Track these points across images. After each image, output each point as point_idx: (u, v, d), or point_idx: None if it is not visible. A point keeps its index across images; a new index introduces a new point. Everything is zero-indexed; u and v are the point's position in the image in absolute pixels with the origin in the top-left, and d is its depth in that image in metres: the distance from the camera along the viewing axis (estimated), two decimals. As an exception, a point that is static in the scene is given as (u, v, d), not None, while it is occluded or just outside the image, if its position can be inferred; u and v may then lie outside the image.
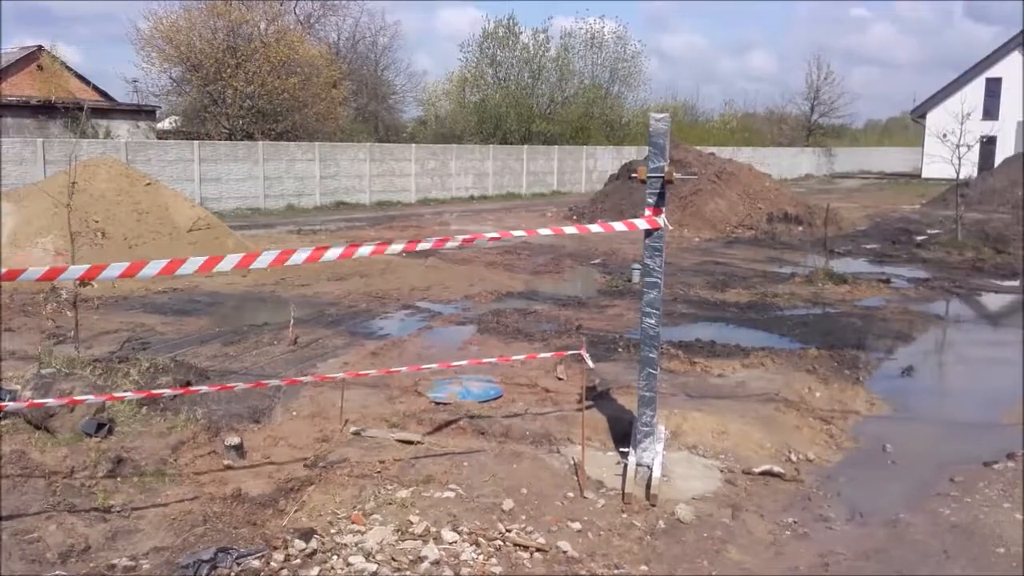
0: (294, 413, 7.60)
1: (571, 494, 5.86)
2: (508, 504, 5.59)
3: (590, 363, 6.98)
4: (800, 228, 24.39)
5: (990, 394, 9.05)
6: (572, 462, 6.35)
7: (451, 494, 5.74)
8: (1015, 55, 57.13)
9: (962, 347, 11.38)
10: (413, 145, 37.62)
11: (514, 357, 7.78)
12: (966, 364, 10.69)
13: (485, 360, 7.69)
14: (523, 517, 5.47)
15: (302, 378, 7.64)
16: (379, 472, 6.07)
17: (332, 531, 5.22)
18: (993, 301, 14.60)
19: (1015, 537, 5.44)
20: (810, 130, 73.72)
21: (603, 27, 52.23)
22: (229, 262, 4.89)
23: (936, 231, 24.11)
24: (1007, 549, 5.27)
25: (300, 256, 5.02)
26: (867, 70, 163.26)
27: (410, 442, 6.71)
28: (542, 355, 8.20)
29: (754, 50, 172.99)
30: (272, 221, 25.96)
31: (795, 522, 5.62)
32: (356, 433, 6.91)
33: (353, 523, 5.30)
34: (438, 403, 7.82)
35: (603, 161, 44.85)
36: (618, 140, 49.24)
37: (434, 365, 7.87)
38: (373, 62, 55.97)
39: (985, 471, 6.59)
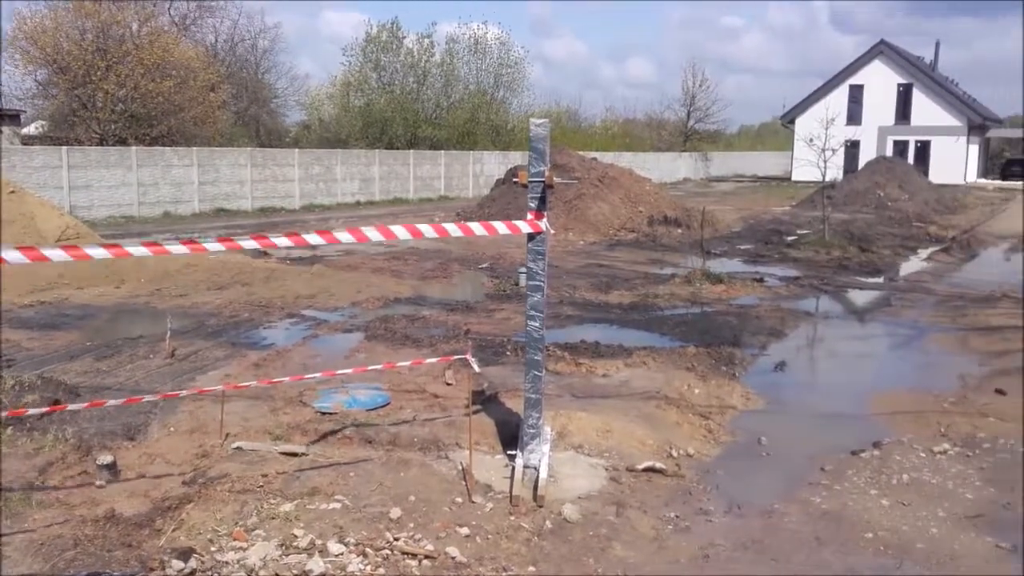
0: (172, 429, 7.30)
1: (459, 499, 5.84)
2: (396, 512, 5.53)
3: (476, 367, 6.98)
4: (679, 230, 25.10)
5: (857, 386, 9.53)
6: (460, 467, 6.33)
7: (337, 505, 5.64)
8: (876, 63, 60.55)
9: (831, 342, 11.94)
10: (296, 150, 36.86)
11: (400, 364, 7.70)
12: (835, 358, 11.22)
13: (371, 367, 7.58)
14: (411, 525, 5.41)
15: (179, 392, 7.36)
16: (262, 486, 5.89)
17: (212, 549, 5.04)
18: (859, 297, 15.39)
19: (881, 521, 5.74)
20: (687, 135, 76.13)
21: (486, 32, 52.54)
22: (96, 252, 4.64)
23: (805, 231, 25.25)
24: (874, 534, 5.55)
25: (177, 248, 4.82)
26: (740, 77, 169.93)
27: (294, 454, 6.55)
28: (429, 361, 8.15)
29: (633, 57, 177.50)
30: (147, 229, 24.95)
31: (677, 516, 5.76)
32: (238, 447, 6.70)
33: (235, 540, 5.13)
34: (324, 413, 7.67)
35: (490, 166, 45.07)
36: (504, 145, 49.58)
37: (318, 375, 7.71)
38: (253, 65, 54.62)
39: (853, 460, 6.92)
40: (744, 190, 52.37)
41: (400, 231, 5.45)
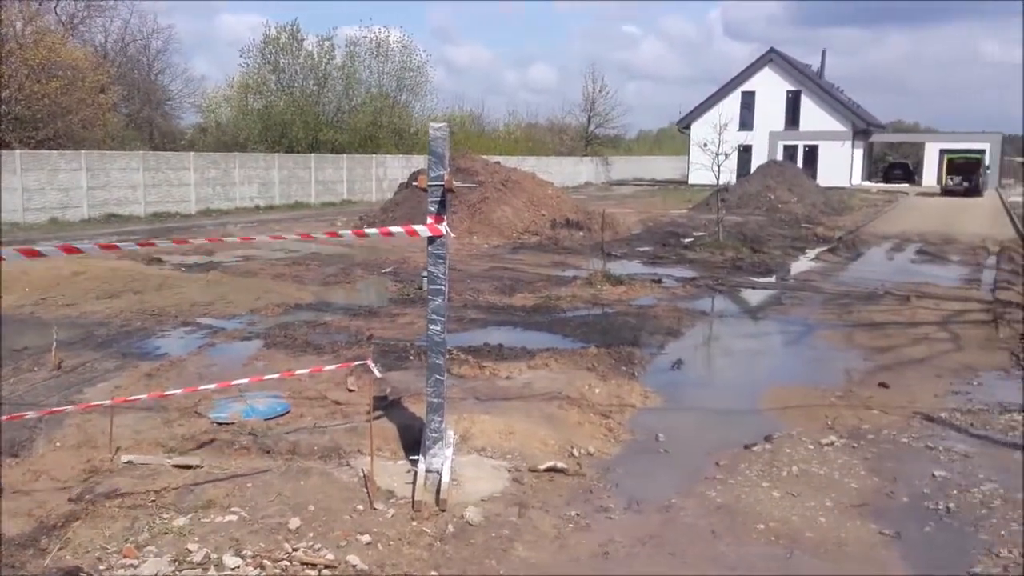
0: (58, 444, 6.97)
1: (361, 507, 5.76)
2: (295, 523, 5.41)
3: (377, 373, 6.90)
4: (581, 233, 25.43)
5: (750, 382, 9.83)
6: (362, 474, 6.25)
7: (234, 517, 5.48)
8: (766, 71, 62.71)
9: (725, 340, 12.29)
10: (192, 153, 35.75)
11: (299, 371, 7.55)
12: (729, 355, 11.55)
13: (268, 376, 7.41)
14: (311, 534, 5.31)
15: (64, 407, 7.03)
16: (153, 501, 5.69)
17: (101, 567, 4.83)
18: (751, 296, 15.89)
19: (772, 513, 5.93)
20: (588, 140, 77.25)
21: (388, 36, 52.13)
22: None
23: (701, 233, 25.94)
24: (766, 525, 5.73)
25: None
26: (640, 83, 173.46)
27: (188, 466, 6.35)
28: (329, 368, 8.02)
29: (536, 63, 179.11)
30: (33, 236, 23.79)
31: (578, 515, 5.82)
32: (128, 461, 6.45)
33: (125, 557, 4.93)
34: (220, 423, 7.45)
35: (393, 169, 44.72)
36: (408, 149, 49.26)
37: (213, 385, 7.49)
38: (146, 66, 52.78)
39: (746, 453, 7.14)
40: (643, 194, 53.45)
41: (317, 234, 5.33)
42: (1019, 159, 78.85)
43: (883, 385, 9.34)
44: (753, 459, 6.99)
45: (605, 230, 21.52)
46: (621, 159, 77.33)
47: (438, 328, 6.12)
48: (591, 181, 66.88)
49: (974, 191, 51.36)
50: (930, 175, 62.45)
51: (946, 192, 51.92)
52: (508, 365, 9.73)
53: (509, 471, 6.53)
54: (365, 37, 51.43)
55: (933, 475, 6.63)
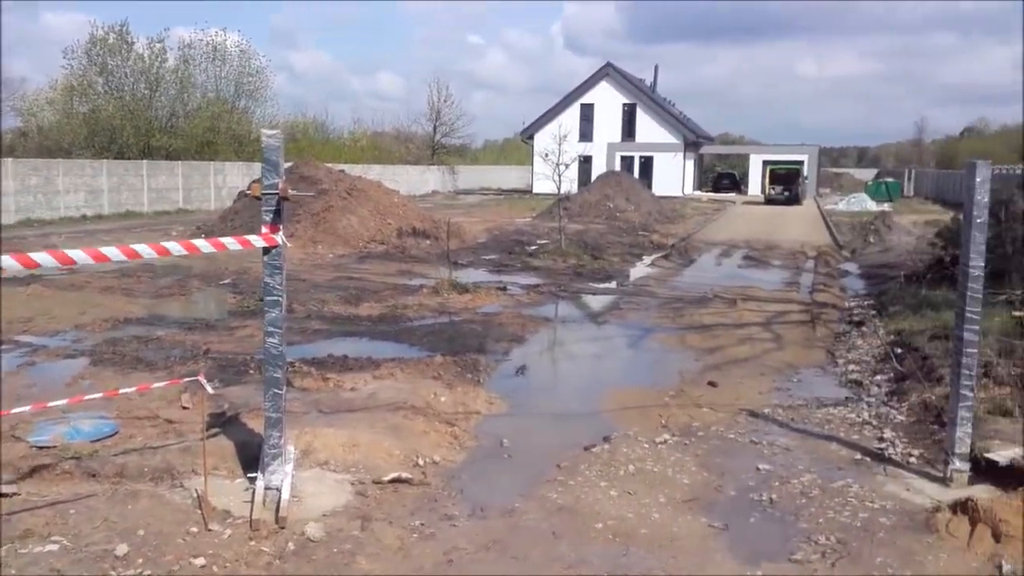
0: None
1: (195, 529, 5.51)
2: (122, 549, 5.11)
3: (209, 389, 6.63)
4: (428, 242, 25.41)
5: (591, 385, 10.11)
6: (196, 494, 5.97)
7: (55, 547, 5.12)
8: (603, 84, 64.84)
9: (567, 345, 12.58)
10: (10, 160, 33.25)
11: (124, 390, 7.15)
12: (571, 360, 11.83)
13: (90, 396, 6.96)
14: (140, 561, 5.03)
15: None
16: (-39, 535, 5.23)
17: (-103, 613, 4.39)
18: (592, 302, 16.35)
19: (610, 511, 6.11)
20: (435, 149, 77.37)
21: (226, 40, 50.36)
22: None
23: (544, 241, 26.48)
24: (604, 524, 5.89)
25: None
26: (485, 93, 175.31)
27: (3, 495, 5.87)
28: (158, 385, 7.63)
29: (382, 71, 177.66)
30: None
31: (422, 524, 5.80)
32: (-68, 493, 5.90)
33: (-74, 599, 4.51)
34: (41, 447, 6.95)
35: (233, 177, 43.23)
36: (249, 156, 47.72)
37: (28, 407, 6.96)
38: (-45, 65, 48.61)
39: (586, 455, 7.32)
40: (489, 202, 54.01)
41: (113, 252, 5.04)
42: (834, 170, 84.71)
43: (712, 384, 9.83)
44: (592, 460, 7.18)
45: (451, 239, 21.59)
46: (468, 168, 77.88)
47: (276, 340, 5.94)
48: (438, 190, 66.98)
49: (794, 200, 55.01)
50: (755, 184, 66.39)
51: (769, 201, 55.35)
52: (353, 376, 9.58)
53: (352, 484, 6.42)
54: (201, 40, 49.50)
55: (757, 468, 7.03)
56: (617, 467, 7.00)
